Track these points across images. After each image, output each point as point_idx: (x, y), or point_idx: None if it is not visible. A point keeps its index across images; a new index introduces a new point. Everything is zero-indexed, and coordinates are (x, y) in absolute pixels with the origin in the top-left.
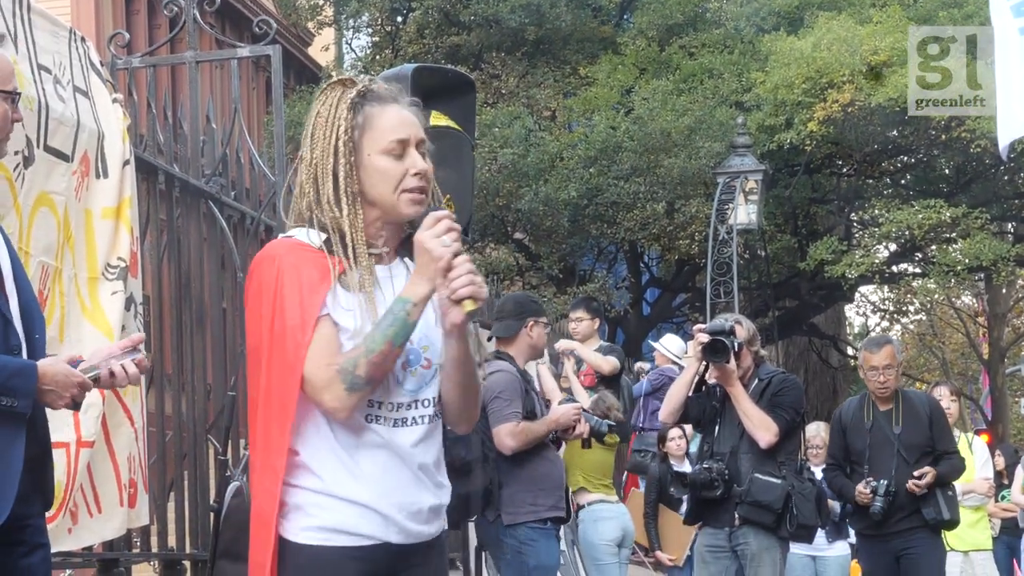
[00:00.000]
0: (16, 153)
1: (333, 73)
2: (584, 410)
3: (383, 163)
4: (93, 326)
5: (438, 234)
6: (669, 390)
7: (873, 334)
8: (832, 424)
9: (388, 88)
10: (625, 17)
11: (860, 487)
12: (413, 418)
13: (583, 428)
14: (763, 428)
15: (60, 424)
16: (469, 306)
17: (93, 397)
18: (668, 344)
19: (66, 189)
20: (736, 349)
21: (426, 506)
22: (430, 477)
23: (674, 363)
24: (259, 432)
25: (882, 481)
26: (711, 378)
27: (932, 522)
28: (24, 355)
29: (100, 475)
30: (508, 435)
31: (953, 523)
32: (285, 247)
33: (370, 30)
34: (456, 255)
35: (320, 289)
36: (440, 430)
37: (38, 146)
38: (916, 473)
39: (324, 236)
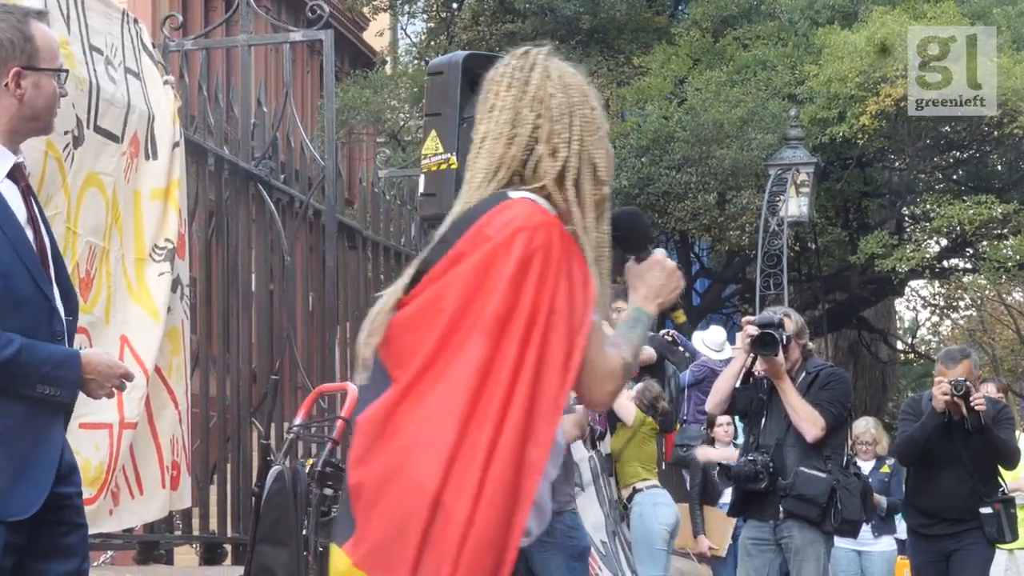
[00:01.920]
0: (66, 133)
1: (387, 58)
2: None
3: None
4: (139, 307)
5: (674, 269)
6: (716, 382)
7: (952, 346)
8: (904, 410)
9: None
10: (680, 8)
11: (938, 387)
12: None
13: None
14: (809, 422)
15: (103, 406)
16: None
17: (137, 379)
18: (707, 335)
19: (115, 170)
20: (784, 342)
21: None
22: None
23: (707, 354)
24: (511, 416)
25: (958, 380)
26: (759, 371)
27: (991, 539)
28: (66, 340)
29: (143, 457)
30: (572, 425)
31: (1012, 541)
32: (555, 218)
33: (425, 16)
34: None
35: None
36: None
37: (88, 127)
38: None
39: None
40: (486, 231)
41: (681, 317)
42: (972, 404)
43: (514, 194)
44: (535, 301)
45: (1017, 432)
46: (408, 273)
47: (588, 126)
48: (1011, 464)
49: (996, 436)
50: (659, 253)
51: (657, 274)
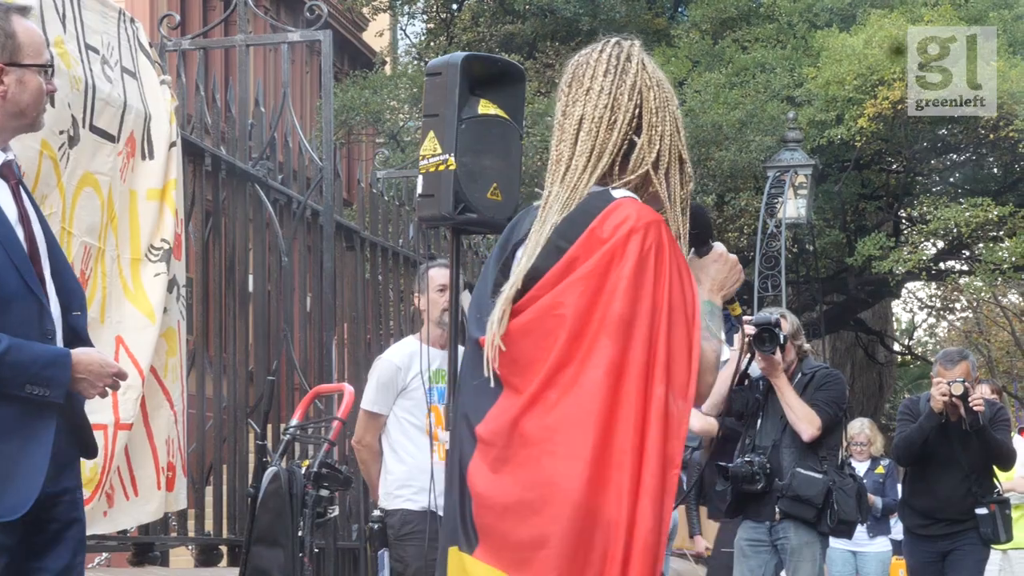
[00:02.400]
0: (61, 132)
1: (387, 59)
2: None
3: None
4: (135, 307)
5: (733, 264)
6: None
7: (950, 348)
8: (902, 411)
9: None
10: (679, 10)
11: (936, 388)
12: None
13: None
14: (806, 421)
15: (98, 406)
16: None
17: (132, 379)
18: None
19: (111, 170)
20: (782, 341)
21: None
22: None
23: None
24: (652, 416)
25: (956, 381)
26: (759, 369)
27: (986, 539)
28: (59, 339)
29: (138, 458)
30: None
31: (1007, 541)
32: (660, 216)
33: (425, 16)
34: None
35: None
36: None
37: (84, 126)
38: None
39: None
40: (599, 234)
41: (737, 309)
42: (971, 405)
43: (617, 193)
44: (655, 299)
45: (1012, 433)
46: (516, 280)
47: (677, 123)
48: (1007, 465)
49: (993, 437)
50: (719, 247)
51: (720, 267)
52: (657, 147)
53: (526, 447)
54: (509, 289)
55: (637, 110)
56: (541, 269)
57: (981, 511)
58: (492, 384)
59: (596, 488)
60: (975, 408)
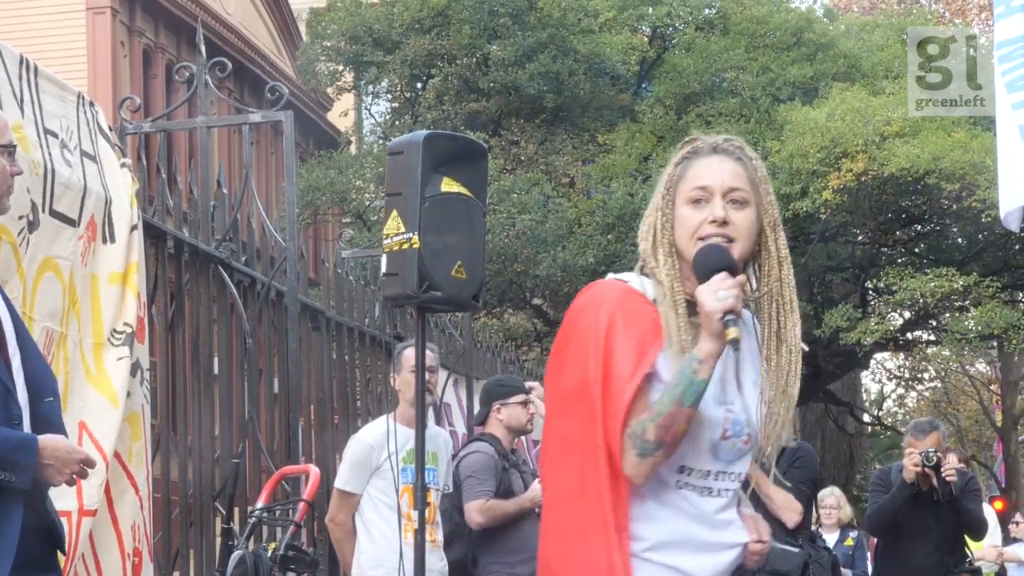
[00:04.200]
0: (21, 218)
1: (352, 139)
2: None
3: (684, 212)
4: (97, 392)
5: (714, 288)
6: None
7: (921, 419)
8: (874, 482)
9: (720, 143)
10: (643, 86)
11: (909, 458)
12: (719, 489)
13: None
14: (789, 509)
15: (62, 492)
16: (732, 334)
17: (96, 466)
18: None
19: (72, 254)
20: None
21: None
22: None
23: None
24: (588, 485)
25: (928, 451)
26: None
27: None
28: (26, 424)
29: (103, 544)
30: (477, 511)
31: None
32: (618, 292)
33: (389, 96)
34: (731, 310)
35: (650, 344)
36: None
37: (44, 211)
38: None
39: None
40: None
41: (730, 335)
42: (943, 475)
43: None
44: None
45: (983, 503)
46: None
47: (659, 201)
48: (978, 535)
49: (965, 507)
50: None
51: (703, 298)
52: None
53: None
54: None
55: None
56: None
57: None
58: None
59: None
60: (948, 478)
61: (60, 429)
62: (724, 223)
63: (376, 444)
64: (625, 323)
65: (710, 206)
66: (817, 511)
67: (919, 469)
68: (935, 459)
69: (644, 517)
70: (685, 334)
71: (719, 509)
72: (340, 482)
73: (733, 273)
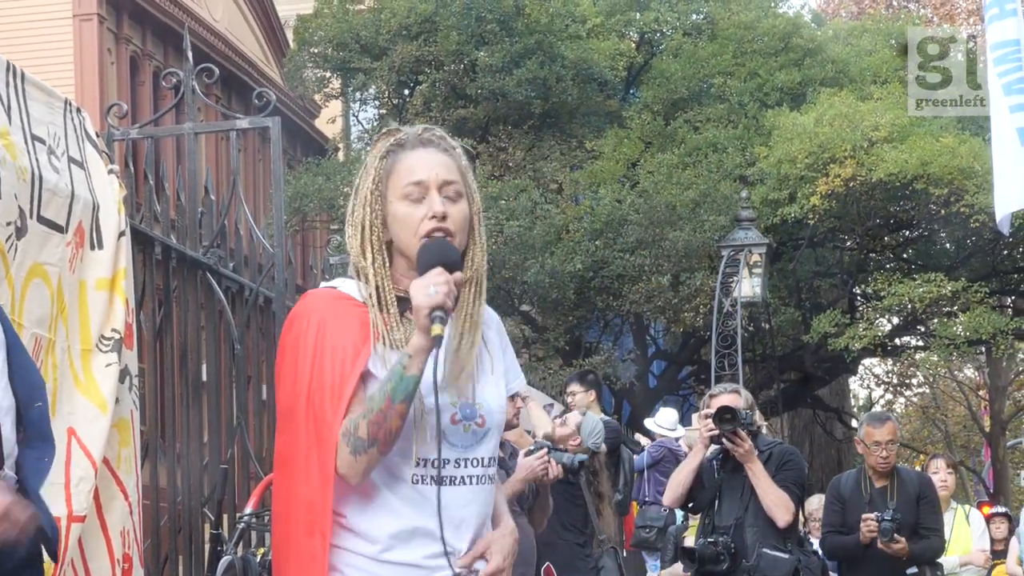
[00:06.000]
0: (8, 224)
1: (340, 145)
2: (551, 448)
3: (400, 208)
4: (86, 399)
5: (425, 283)
6: (673, 475)
7: (875, 409)
8: (829, 494)
9: (422, 134)
10: (631, 91)
11: (865, 521)
12: (462, 477)
13: (556, 469)
14: (782, 507)
15: (51, 498)
16: (436, 330)
17: (85, 471)
18: (659, 418)
19: (60, 260)
20: (744, 419)
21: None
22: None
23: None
24: (296, 493)
25: (885, 513)
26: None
27: None
28: (8, 430)
29: (92, 551)
30: None
31: None
32: (326, 300)
33: (377, 102)
34: (439, 307)
35: (361, 345)
36: (492, 495)
37: (31, 217)
38: (893, 545)
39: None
40: None
41: (435, 331)
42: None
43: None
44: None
45: (967, 507)
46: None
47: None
48: (937, 556)
49: (922, 555)
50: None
51: (413, 292)
52: (356, 238)
53: None
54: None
55: (352, 206)
56: None
57: None
58: None
59: None
60: (900, 554)
61: (47, 435)
62: (444, 217)
63: None
64: (333, 329)
65: (427, 201)
66: (803, 513)
67: (873, 535)
68: (892, 516)
69: (377, 514)
70: (397, 332)
71: (466, 502)
72: None
73: (453, 269)
